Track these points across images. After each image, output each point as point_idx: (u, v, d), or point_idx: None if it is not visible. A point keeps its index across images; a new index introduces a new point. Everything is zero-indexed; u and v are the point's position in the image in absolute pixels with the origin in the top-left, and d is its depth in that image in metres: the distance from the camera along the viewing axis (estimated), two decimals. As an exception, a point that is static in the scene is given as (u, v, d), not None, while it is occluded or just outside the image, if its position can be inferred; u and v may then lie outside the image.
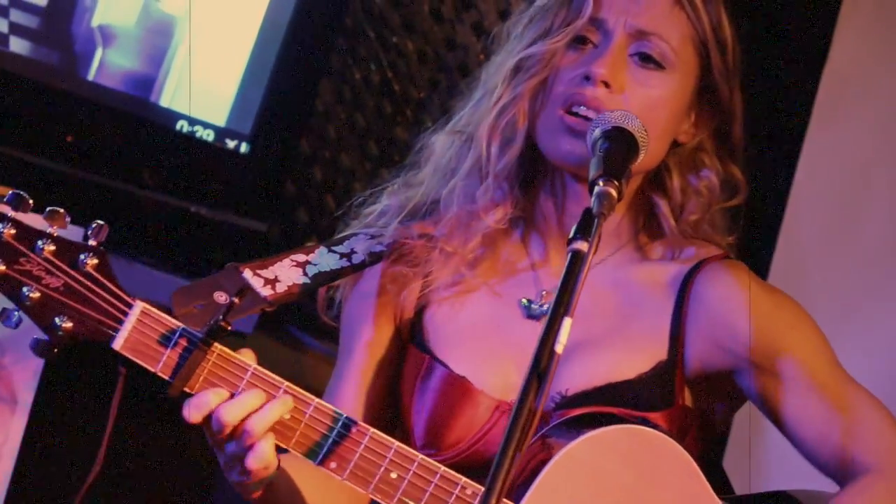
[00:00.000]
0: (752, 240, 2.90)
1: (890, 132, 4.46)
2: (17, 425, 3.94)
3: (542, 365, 2.14)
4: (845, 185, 4.52)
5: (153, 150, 4.54)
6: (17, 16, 4.30)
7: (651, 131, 2.62)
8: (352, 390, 2.77)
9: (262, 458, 2.47)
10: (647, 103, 2.67)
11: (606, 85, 2.65)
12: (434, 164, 2.81)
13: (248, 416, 2.46)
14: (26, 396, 3.96)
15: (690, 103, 2.75)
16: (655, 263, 2.78)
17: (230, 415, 2.45)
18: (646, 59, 2.69)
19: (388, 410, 2.79)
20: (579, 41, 2.70)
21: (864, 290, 4.42)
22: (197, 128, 4.57)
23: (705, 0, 2.73)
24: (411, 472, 2.53)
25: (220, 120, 4.60)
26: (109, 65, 4.43)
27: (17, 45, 4.31)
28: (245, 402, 2.46)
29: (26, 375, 3.96)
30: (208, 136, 4.59)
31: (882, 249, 4.43)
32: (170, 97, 4.52)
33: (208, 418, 2.47)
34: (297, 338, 4.59)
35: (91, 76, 4.42)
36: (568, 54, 2.70)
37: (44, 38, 4.35)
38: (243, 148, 4.63)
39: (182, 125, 4.55)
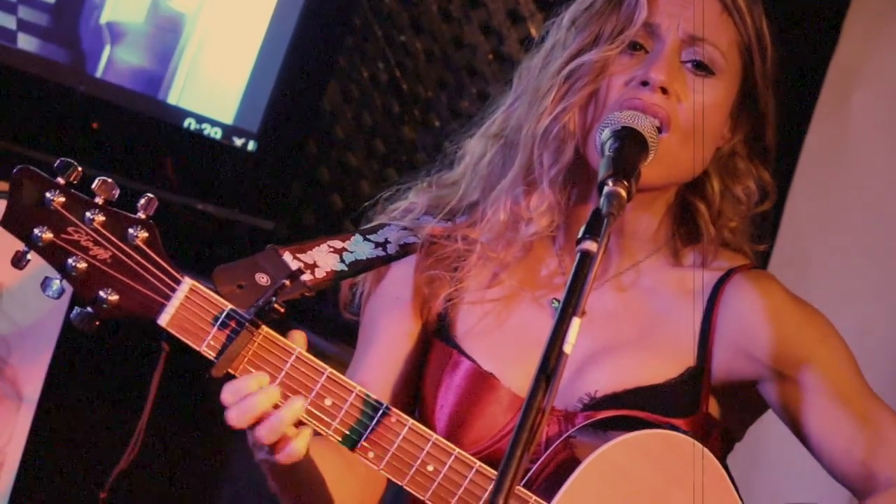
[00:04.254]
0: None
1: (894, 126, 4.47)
2: (22, 424, 3.94)
3: (549, 365, 2.14)
4: (847, 178, 4.52)
5: (161, 148, 4.54)
6: (25, 12, 4.30)
7: (698, 139, 2.63)
8: (372, 380, 2.76)
9: (290, 454, 2.47)
10: (700, 110, 2.66)
11: (664, 91, 2.64)
12: (469, 167, 2.80)
13: (267, 414, 2.45)
14: (32, 394, 3.96)
15: (732, 108, 2.75)
16: (687, 270, 2.77)
17: (248, 411, 2.44)
18: (698, 65, 2.68)
19: (406, 403, 2.79)
20: (632, 46, 2.68)
21: (863, 285, 4.42)
22: (205, 125, 4.57)
23: (750, 6, 2.73)
24: (448, 465, 2.53)
25: (228, 118, 4.60)
26: (118, 62, 4.43)
27: (26, 42, 4.30)
28: (256, 402, 2.45)
29: (32, 373, 3.96)
30: (216, 133, 4.59)
31: (884, 244, 4.43)
32: (178, 94, 4.52)
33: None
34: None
35: (99, 73, 4.42)
36: (620, 60, 2.68)
37: (52, 34, 4.35)
38: (251, 146, 4.63)
39: (190, 123, 4.55)
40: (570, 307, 2.18)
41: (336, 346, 4.24)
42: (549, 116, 2.69)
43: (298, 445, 2.47)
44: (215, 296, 2.48)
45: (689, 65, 2.68)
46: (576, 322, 2.16)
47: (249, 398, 2.44)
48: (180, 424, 4.38)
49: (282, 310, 2.47)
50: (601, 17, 2.70)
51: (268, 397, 2.45)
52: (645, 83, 2.63)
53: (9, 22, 4.27)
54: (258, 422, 2.44)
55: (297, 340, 2.51)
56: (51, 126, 4.35)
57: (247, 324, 2.46)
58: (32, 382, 3.95)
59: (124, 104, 4.45)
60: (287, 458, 2.47)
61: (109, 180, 2.44)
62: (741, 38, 2.72)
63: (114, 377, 4.30)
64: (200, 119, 4.56)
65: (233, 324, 2.47)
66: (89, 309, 2.45)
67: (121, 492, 2.59)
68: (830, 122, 4.51)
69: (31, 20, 4.31)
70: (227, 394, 2.44)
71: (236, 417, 2.44)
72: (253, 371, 2.47)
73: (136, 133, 4.50)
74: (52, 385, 3.98)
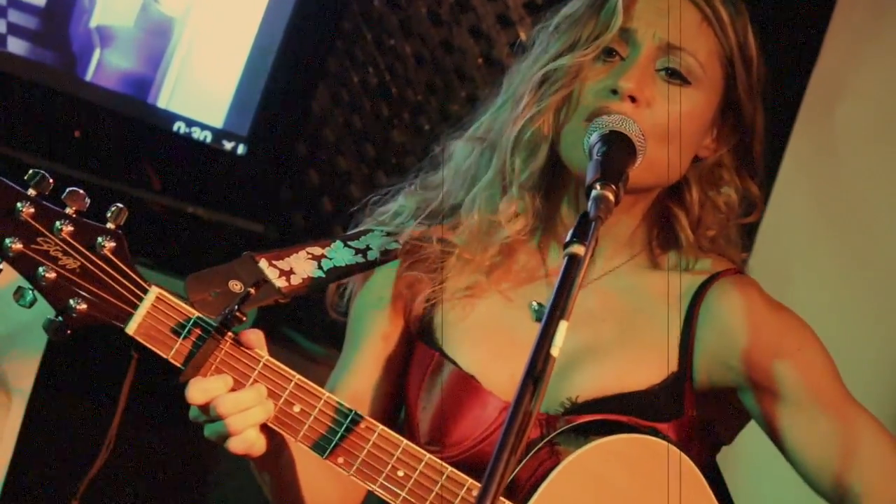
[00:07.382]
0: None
1: (876, 133, 4.47)
2: (13, 422, 3.95)
3: (537, 368, 2.14)
4: (830, 189, 4.53)
5: (150, 151, 4.55)
6: (15, 16, 4.31)
7: (673, 146, 2.63)
8: (358, 382, 2.78)
9: (244, 442, 2.50)
10: (673, 118, 2.65)
11: (633, 99, 2.62)
12: (453, 170, 2.80)
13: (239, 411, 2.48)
14: (23, 393, 3.96)
15: (714, 119, 2.73)
16: (669, 273, 2.77)
17: (224, 407, 2.47)
18: (673, 74, 2.66)
19: (392, 405, 2.80)
20: (607, 53, 2.67)
21: (846, 296, 4.42)
22: (194, 129, 4.58)
23: (732, 17, 2.71)
24: (418, 471, 2.54)
25: (218, 121, 4.61)
26: (107, 65, 4.44)
27: (16, 46, 4.32)
28: (241, 399, 2.49)
29: (23, 371, 3.96)
30: (205, 137, 4.60)
31: (867, 255, 4.44)
32: (167, 98, 4.53)
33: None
34: (291, 339, 4.59)
35: (89, 77, 4.43)
36: (595, 66, 2.67)
37: (42, 38, 4.36)
38: (240, 149, 4.65)
39: (179, 126, 4.56)
40: (557, 310, 2.17)
41: (321, 347, 4.25)
42: (522, 120, 2.69)
43: (251, 434, 2.50)
44: (182, 304, 2.51)
45: (663, 72, 2.66)
46: (563, 325, 2.17)
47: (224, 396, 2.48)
48: (161, 427, 4.39)
49: (243, 318, 2.49)
50: (580, 23, 2.70)
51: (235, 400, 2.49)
52: (615, 91, 2.63)
53: (-2, 25, 4.28)
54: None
55: (253, 339, 2.53)
56: (41, 129, 4.36)
57: (213, 332, 2.49)
58: (24, 380, 3.95)
59: (114, 107, 4.46)
60: (239, 446, 2.50)
61: (80, 191, 2.48)
62: (722, 49, 2.70)
63: (106, 375, 4.29)
64: (190, 122, 4.57)
65: (199, 331, 2.50)
66: (60, 318, 2.48)
67: (97, 497, 2.61)
68: (813, 133, 4.52)
69: (21, 23, 4.32)
70: (196, 392, 2.48)
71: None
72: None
73: (126, 136, 4.51)
74: (43, 383, 3.98)
